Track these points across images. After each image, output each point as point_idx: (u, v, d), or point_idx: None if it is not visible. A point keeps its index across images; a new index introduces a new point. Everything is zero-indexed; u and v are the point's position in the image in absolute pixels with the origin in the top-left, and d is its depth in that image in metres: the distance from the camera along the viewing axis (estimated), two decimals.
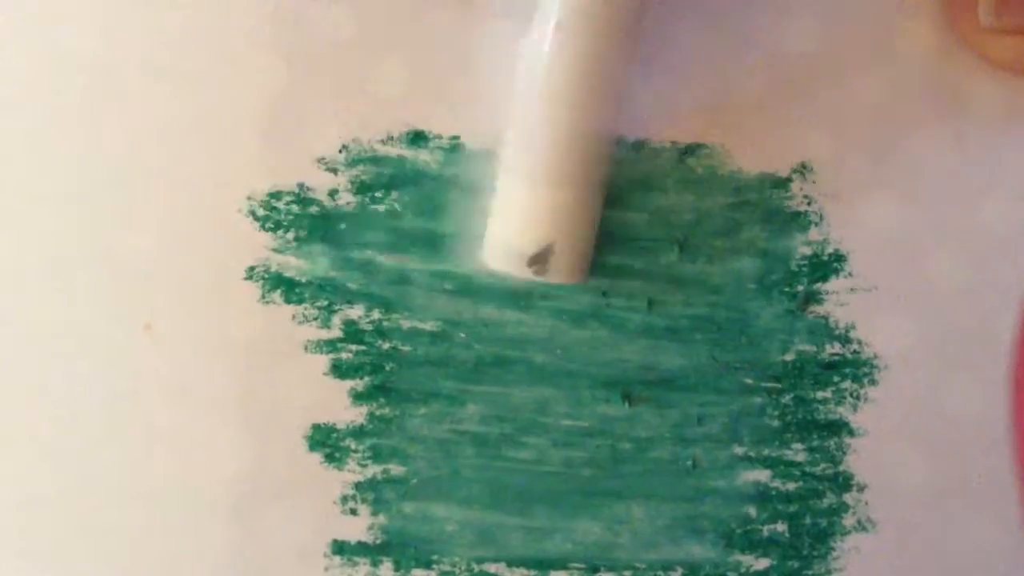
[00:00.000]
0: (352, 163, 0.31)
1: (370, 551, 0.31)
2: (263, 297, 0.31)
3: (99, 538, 0.31)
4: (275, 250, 0.31)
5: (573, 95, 0.28)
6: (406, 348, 0.31)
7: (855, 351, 0.32)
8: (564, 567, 0.31)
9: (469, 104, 0.31)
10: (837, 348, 0.32)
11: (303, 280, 0.31)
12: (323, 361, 0.31)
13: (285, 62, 0.31)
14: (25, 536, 0.31)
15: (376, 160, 0.32)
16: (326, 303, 0.31)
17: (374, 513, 0.31)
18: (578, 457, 0.32)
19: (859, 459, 0.32)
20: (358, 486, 0.31)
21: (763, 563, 0.31)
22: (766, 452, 0.31)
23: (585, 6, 0.28)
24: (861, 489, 0.31)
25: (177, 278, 0.31)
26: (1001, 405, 0.31)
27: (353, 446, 0.31)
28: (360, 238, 0.32)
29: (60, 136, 0.31)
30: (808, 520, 0.31)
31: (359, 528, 0.31)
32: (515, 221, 0.29)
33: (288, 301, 0.31)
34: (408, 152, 0.32)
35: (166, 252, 0.31)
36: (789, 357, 0.32)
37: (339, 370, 0.31)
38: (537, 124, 0.29)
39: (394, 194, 0.32)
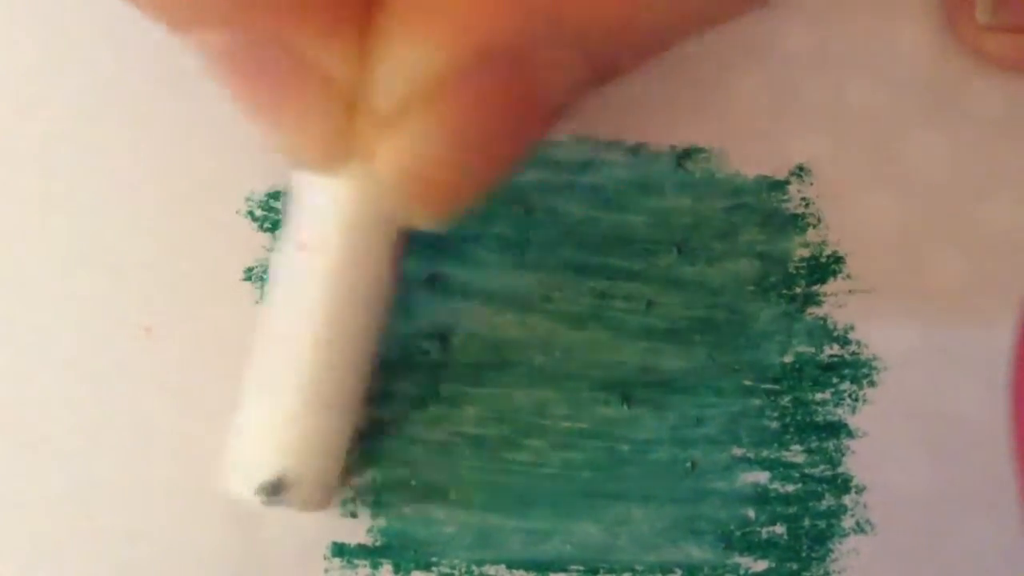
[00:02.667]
0: None
1: (370, 553, 0.31)
2: (262, 298, 0.31)
3: (98, 539, 0.30)
4: (273, 251, 0.31)
5: (318, 317, 0.26)
6: (404, 349, 0.31)
7: (854, 352, 0.31)
8: (563, 569, 0.31)
9: None
10: (836, 349, 0.31)
11: None
12: None
13: None
14: (24, 536, 0.30)
15: None
16: None
17: (374, 515, 0.31)
18: (577, 459, 0.31)
19: (858, 461, 0.31)
20: (358, 488, 0.31)
21: (762, 565, 0.31)
22: (765, 454, 0.31)
23: (330, 225, 0.25)
24: (860, 491, 0.31)
25: (176, 279, 0.31)
26: (1001, 406, 0.31)
27: (353, 447, 0.31)
28: None
29: (58, 136, 0.31)
30: (807, 522, 0.31)
31: (359, 530, 0.31)
32: (252, 443, 0.27)
33: None
34: None
35: (164, 254, 0.31)
36: (788, 359, 0.31)
37: None
38: (278, 346, 0.26)
39: None
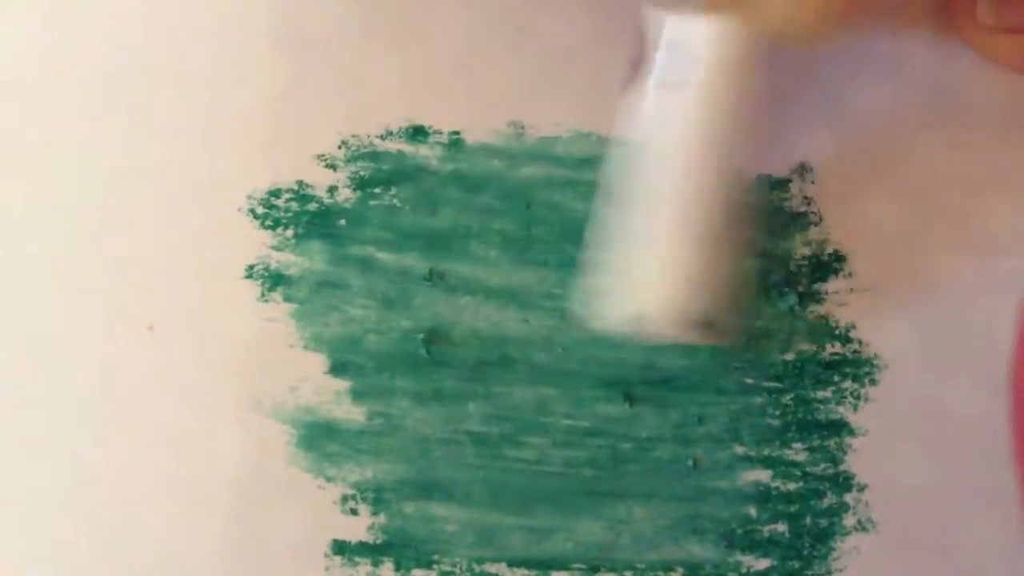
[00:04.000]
0: (351, 159, 0.31)
1: (371, 551, 0.30)
2: (263, 296, 0.31)
3: (100, 537, 0.30)
4: (274, 247, 0.31)
5: (706, 152, 0.27)
6: (406, 346, 0.31)
7: (855, 351, 0.31)
8: (565, 567, 0.30)
9: (468, 98, 0.31)
10: (837, 348, 0.31)
11: (303, 278, 0.31)
12: (323, 360, 0.31)
13: (284, 59, 0.31)
14: (26, 535, 0.30)
15: (375, 156, 0.31)
16: (326, 300, 0.31)
17: (374, 513, 0.30)
18: (579, 457, 0.31)
19: (859, 459, 0.31)
20: (358, 486, 0.31)
21: (764, 563, 0.31)
22: (767, 452, 0.31)
23: (709, 64, 0.27)
24: (861, 489, 0.31)
25: (177, 277, 0.30)
26: (1001, 405, 0.30)
27: (353, 445, 0.31)
28: (359, 234, 0.31)
29: (60, 136, 0.30)
30: (808, 520, 0.31)
31: (359, 528, 0.30)
32: (629, 277, 0.28)
33: (288, 299, 0.31)
34: (407, 147, 0.31)
35: (166, 251, 0.30)
36: (789, 357, 0.31)
37: (340, 368, 0.31)
38: (670, 186, 0.27)
39: (393, 190, 0.31)
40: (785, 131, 0.31)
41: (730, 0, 0.26)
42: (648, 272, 0.28)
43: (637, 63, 0.28)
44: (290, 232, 0.31)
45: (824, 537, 0.31)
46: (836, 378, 0.31)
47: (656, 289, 0.28)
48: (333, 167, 0.31)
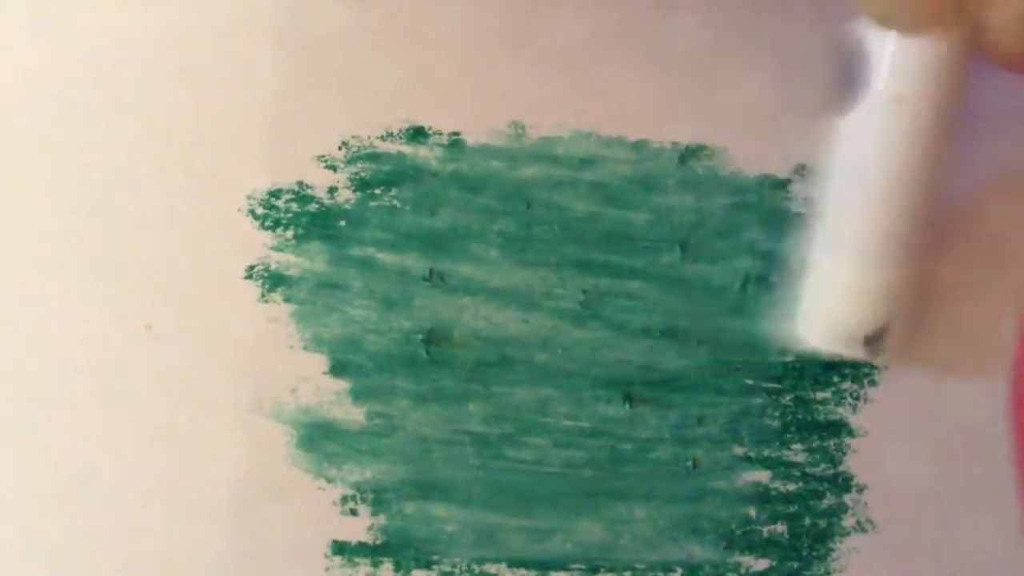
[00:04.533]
0: (351, 160, 0.31)
1: (370, 552, 0.30)
2: (263, 296, 0.30)
3: (99, 538, 0.30)
4: (274, 248, 0.30)
5: (910, 170, 0.28)
6: (406, 347, 0.31)
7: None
8: (565, 568, 0.30)
9: (469, 99, 0.31)
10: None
11: (303, 278, 0.31)
12: (323, 360, 0.31)
13: (284, 59, 0.30)
14: (24, 536, 0.30)
15: (375, 157, 0.31)
16: (326, 301, 0.31)
17: (374, 513, 0.30)
18: (579, 458, 0.31)
19: (859, 460, 0.31)
20: (358, 486, 0.31)
21: (763, 564, 0.31)
22: (766, 453, 0.31)
23: (925, 80, 0.27)
24: (861, 490, 0.31)
25: (177, 277, 0.30)
26: (1001, 405, 0.31)
27: (353, 446, 0.31)
28: (360, 235, 0.31)
29: (59, 136, 0.30)
30: (808, 521, 0.31)
31: (359, 528, 0.30)
32: (847, 301, 0.29)
33: (288, 300, 0.30)
34: (408, 148, 0.31)
35: (166, 252, 0.30)
36: (789, 358, 0.31)
37: (339, 369, 0.31)
38: (870, 202, 0.28)
39: (393, 190, 0.31)
40: (786, 131, 0.31)
41: (947, 18, 0.26)
42: (875, 290, 0.29)
43: (846, 80, 0.28)
44: (290, 233, 0.30)
45: (823, 538, 0.31)
46: (835, 379, 0.31)
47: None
48: (333, 168, 0.30)
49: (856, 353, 0.29)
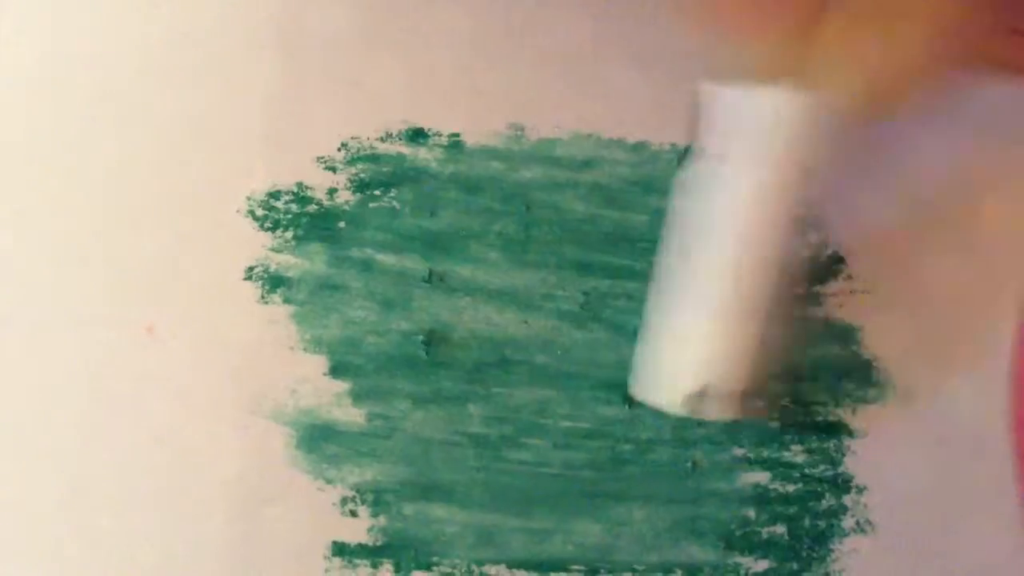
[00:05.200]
0: (351, 161, 0.31)
1: (370, 553, 0.30)
2: (263, 297, 0.30)
3: (99, 539, 0.30)
4: (274, 249, 0.30)
5: (737, 230, 0.27)
6: (406, 348, 0.31)
7: (854, 352, 0.31)
8: (564, 569, 0.30)
9: (468, 101, 0.31)
10: (837, 349, 0.31)
11: (302, 280, 0.31)
12: (323, 361, 0.31)
13: (284, 61, 0.31)
14: (25, 537, 0.30)
15: (375, 158, 0.31)
16: (325, 302, 0.31)
17: (374, 515, 0.30)
18: (578, 459, 0.31)
19: (858, 461, 0.31)
20: (358, 487, 0.30)
21: (762, 565, 0.30)
22: (765, 454, 0.31)
23: (753, 140, 0.26)
24: (860, 491, 0.31)
25: (177, 278, 0.30)
26: (1001, 405, 0.31)
27: (353, 447, 0.31)
28: (359, 236, 0.31)
29: (60, 137, 0.30)
30: (807, 522, 0.31)
31: (359, 530, 0.30)
32: (673, 357, 0.28)
33: (287, 301, 0.30)
34: (407, 149, 0.31)
35: (166, 253, 0.30)
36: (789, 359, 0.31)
37: (339, 370, 0.31)
38: (701, 258, 0.27)
39: (393, 192, 0.31)
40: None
41: (789, 71, 0.25)
42: (701, 349, 0.28)
43: (694, 135, 0.28)
44: (290, 234, 0.30)
45: (823, 539, 0.31)
46: (835, 380, 0.31)
47: (710, 366, 0.28)
48: (333, 169, 0.30)
49: (678, 410, 0.28)
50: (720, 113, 0.27)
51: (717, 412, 0.28)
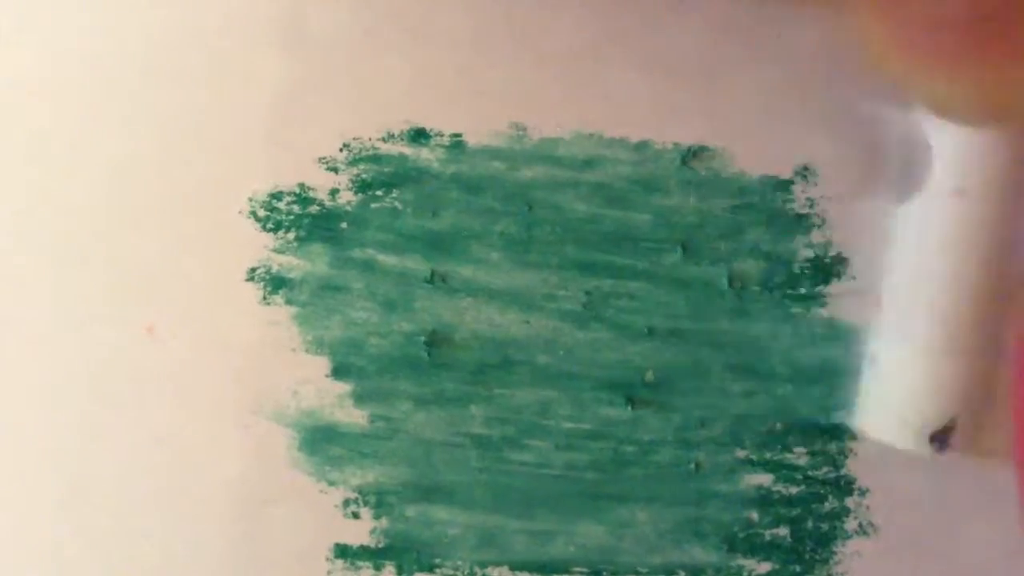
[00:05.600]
0: (353, 162, 0.31)
1: (372, 555, 0.30)
2: (264, 299, 0.30)
3: (99, 541, 0.30)
4: (276, 250, 0.30)
5: (978, 261, 0.27)
6: (408, 349, 0.31)
7: (858, 354, 0.31)
8: (567, 570, 0.30)
9: (470, 100, 0.31)
10: (840, 351, 0.31)
11: (304, 281, 0.31)
12: (325, 363, 0.31)
13: (284, 61, 0.30)
14: (25, 538, 0.30)
15: (377, 158, 0.31)
16: (327, 303, 0.31)
17: (376, 516, 0.30)
18: (581, 460, 0.31)
19: (861, 463, 0.31)
20: (360, 489, 0.30)
21: (765, 567, 0.30)
22: (768, 456, 0.31)
23: (992, 172, 0.27)
24: (863, 493, 0.31)
25: (178, 279, 0.30)
26: (1001, 407, 0.31)
27: (355, 448, 0.31)
28: (361, 237, 0.31)
29: (60, 137, 0.30)
30: (810, 524, 0.31)
31: (361, 532, 0.30)
32: (912, 396, 0.28)
33: (289, 302, 0.30)
34: (409, 150, 0.31)
35: (167, 253, 0.30)
36: (792, 359, 0.31)
37: (341, 372, 0.31)
38: (937, 292, 0.28)
39: (395, 192, 0.31)
40: (788, 132, 0.31)
41: (1010, 112, 0.25)
42: (943, 383, 0.28)
43: (907, 170, 0.28)
44: (292, 235, 0.30)
45: (826, 541, 0.31)
46: (838, 381, 0.31)
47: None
48: (335, 170, 0.30)
49: (922, 450, 0.28)
50: (945, 148, 0.27)
51: (962, 448, 0.28)
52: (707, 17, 0.31)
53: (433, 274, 0.31)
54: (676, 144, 0.31)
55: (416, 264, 0.31)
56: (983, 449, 0.28)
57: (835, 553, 0.31)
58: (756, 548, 0.31)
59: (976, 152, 0.27)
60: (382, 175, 0.30)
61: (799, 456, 0.31)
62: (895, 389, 0.29)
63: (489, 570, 0.30)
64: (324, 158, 0.30)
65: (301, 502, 0.30)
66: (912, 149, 0.28)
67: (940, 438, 0.28)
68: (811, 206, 0.31)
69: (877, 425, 0.29)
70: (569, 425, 0.31)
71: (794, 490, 0.31)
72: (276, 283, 0.30)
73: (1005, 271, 0.28)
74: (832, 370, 0.31)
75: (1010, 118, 0.25)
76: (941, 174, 0.27)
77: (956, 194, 0.27)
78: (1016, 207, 0.27)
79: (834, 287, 0.31)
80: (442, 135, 0.30)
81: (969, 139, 0.27)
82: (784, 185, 0.31)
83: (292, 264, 0.30)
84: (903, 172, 0.28)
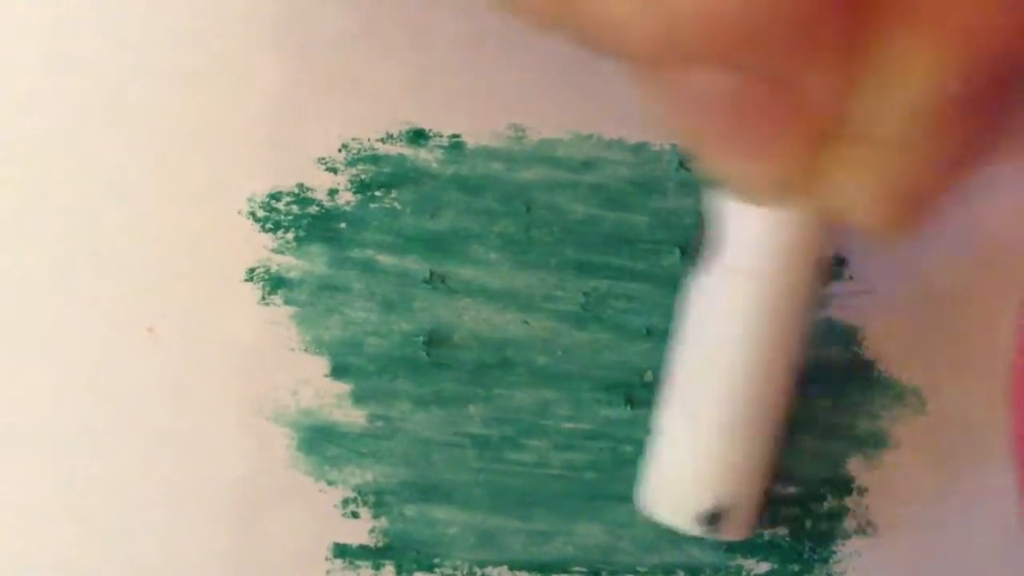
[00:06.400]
0: (352, 162, 0.31)
1: (372, 554, 0.30)
2: (263, 299, 0.30)
3: (99, 542, 0.30)
4: (275, 251, 0.30)
5: (757, 345, 0.26)
6: (407, 349, 0.31)
7: (856, 353, 0.31)
8: (566, 570, 0.30)
9: (469, 101, 0.31)
10: (839, 351, 0.31)
11: (303, 281, 0.31)
12: (324, 363, 0.30)
13: (283, 61, 0.30)
14: (24, 539, 0.30)
15: (376, 159, 0.31)
16: (327, 303, 0.31)
17: (375, 516, 0.30)
18: (580, 460, 0.30)
19: (859, 462, 0.31)
20: (359, 489, 0.30)
21: (764, 567, 0.30)
22: None
23: (773, 254, 0.26)
24: (862, 493, 0.31)
25: (178, 279, 0.30)
26: (1001, 407, 0.30)
27: (354, 448, 0.31)
28: (360, 238, 0.31)
29: (58, 137, 0.30)
30: (809, 524, 0.31)
31: (360, 531, 0.30)
32: (686, 474, 0.27)
33: (288, 302, 0.30)
34: (408, 150, 0.31)
35: (166, 254, 0.30)
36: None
37: (340, 372, 0.30)
38: (716, 372, 0.27)
39: (394, 192, 0.31)
40: None
41: (800, 190, 0.23)
42: (715, 463, 0.27)
43: (699, 248, 0.27)
44: (291, 235, 0.30)
45: (825, 541, 0.31)
46: (837, 381, 0.31)
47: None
48: (334, 170, 0.30)
49: (692, 530, 0.27)
50: (736, 227, 0.26)
51: (733, 532, 0.28)
52: None
53: (432, 274, 0.31)
54: (674, 146, 0.31)
55: (415, 264, 0.31)
56: (747, 528, 0.28)
57: (834, 552, 0.31)
58: (755, 548, 0.30)
59: (762, 233, 0.26)
60: (381, 176, 0.30)
61: (798, 455, 0.31)
62: (672, 467, 0.28)
63: (488, 570, 0.30)
64: (323, 158, 0.30)
65: (300, 502, 0.30)
66: (703, 226, 0.27)
67: (710, 518, 0.27)
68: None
69: (651, 502, 0.28)
70: (568, 425, 0.31)
71: (792, 489, 0.31)
72: (275, 283, 0.30)
73: (786, 354, 0.27)
74: (831, 370, 0.31)
75: (789, 198, 0.23)
76: (727, 254, 0.26)
77: (741, 274, 0.26)
78: (802, 290, 0.26)
79: (832, 288, 0.31)
80: (441, 136, 0.30)
81: (756, 219, 0.26)
82: None
83: (291, 264, 0.30)
84: (695, 248, 0.27)
